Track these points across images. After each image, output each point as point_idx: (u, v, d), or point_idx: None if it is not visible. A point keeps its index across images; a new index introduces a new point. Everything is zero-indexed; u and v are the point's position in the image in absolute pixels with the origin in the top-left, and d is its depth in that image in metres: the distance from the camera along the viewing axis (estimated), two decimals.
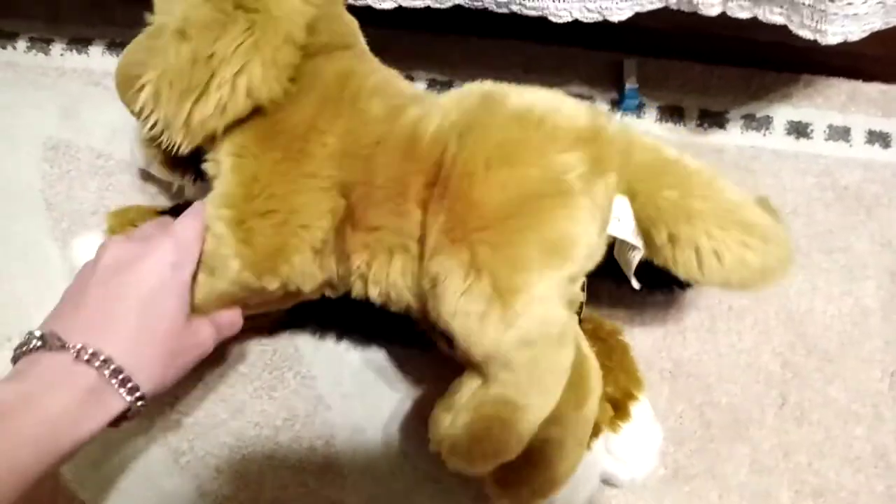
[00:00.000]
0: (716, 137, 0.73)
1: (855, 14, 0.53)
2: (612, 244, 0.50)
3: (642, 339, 0.64)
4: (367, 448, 0.59)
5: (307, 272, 0.48)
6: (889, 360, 0.64)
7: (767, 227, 0.48)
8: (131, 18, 0.65)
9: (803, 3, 0.53)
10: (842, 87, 0.76)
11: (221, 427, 0.59)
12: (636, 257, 0.49)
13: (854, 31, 0.54)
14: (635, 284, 0.52)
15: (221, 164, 0.47)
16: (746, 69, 0.75)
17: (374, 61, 0.53)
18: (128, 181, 0.69)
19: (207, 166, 0.49)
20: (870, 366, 0.64)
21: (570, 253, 0.43)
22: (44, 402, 0.39)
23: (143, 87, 0.46)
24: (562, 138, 0.44)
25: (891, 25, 0.55)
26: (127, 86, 0.49)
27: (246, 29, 0.44)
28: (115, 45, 0.76)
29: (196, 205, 0.48)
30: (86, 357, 0.40)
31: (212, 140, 0.47)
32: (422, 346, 0.59)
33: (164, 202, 0.67)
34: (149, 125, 0.47)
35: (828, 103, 0.75)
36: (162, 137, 0.47)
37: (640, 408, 0.56)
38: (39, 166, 0.70)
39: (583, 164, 0.44)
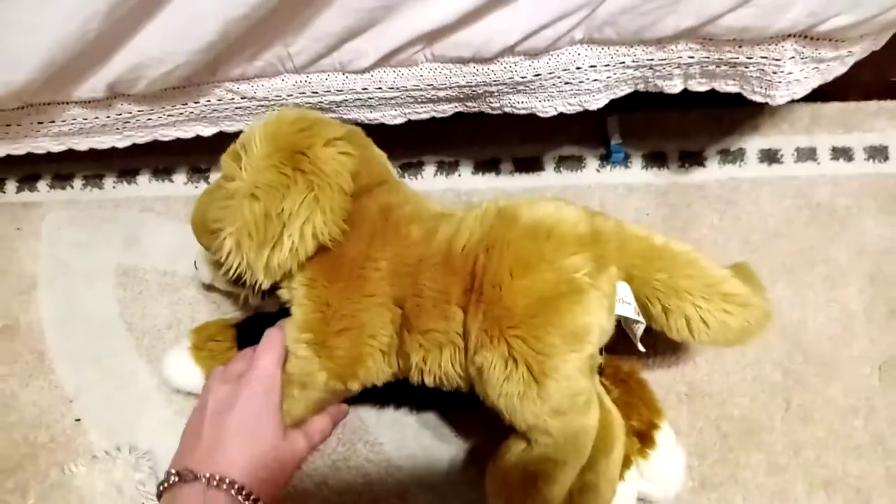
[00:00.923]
0: (697, 175, 0.82)
1: (796, 80, 0.62)
2: (620, 320, 0.59)
3: (658, 369, 0.73)
4: (437, 501, 0.69)
5: (379, 371, 0.58)
6: (876, 355, 0.73)
7: (744, 295, 0.58)
8: (169, 149, 0.75)
9: (752, 76, 0.62)
10: (804, 112, 0.84)
11: (310, 499, 0.69)
12: (640, 329, 0.59)
13: (798, 92, 0.63)
14: (641, 349, 0.62)
15: (295, 292, 0.57)
16: (717, 109, 0.84)
17: (405, 189, 0.63)
18: (193, 294, 0.79)
19: (282, 293, 0.59)
20: (860, 363, 0.72)
21: (588, 338, 0.53)
22: None
23: (225, 238, 0.56)
24: (568, 245, 0.54)
25: (828, 81, 0.63)
26: (205, 233, 0.59)
27: (306, 187, 0.54)
28: (160, 172, 0.86)
29: (269, 335, 0.59)
30: (215, 482, 0.50)
31: (286, 275, 0.57)
32: (469, 409, 0.68)
33: (228, 309, 0.77)
34: (233, 268, 0.56)
35: (793, 128, 0.84)
36: (244, 277, 0.57)
37: (663, 434, 0.65)
38: (115, 292, 0.80)
39: (588, 264, 0.54)
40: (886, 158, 0.81)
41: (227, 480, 0.50)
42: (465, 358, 0.55)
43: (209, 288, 0.78)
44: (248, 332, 0.68)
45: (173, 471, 0.51)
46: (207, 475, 0.50)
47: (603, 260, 0.55)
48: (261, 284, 0.56)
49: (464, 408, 0.68)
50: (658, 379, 0.72)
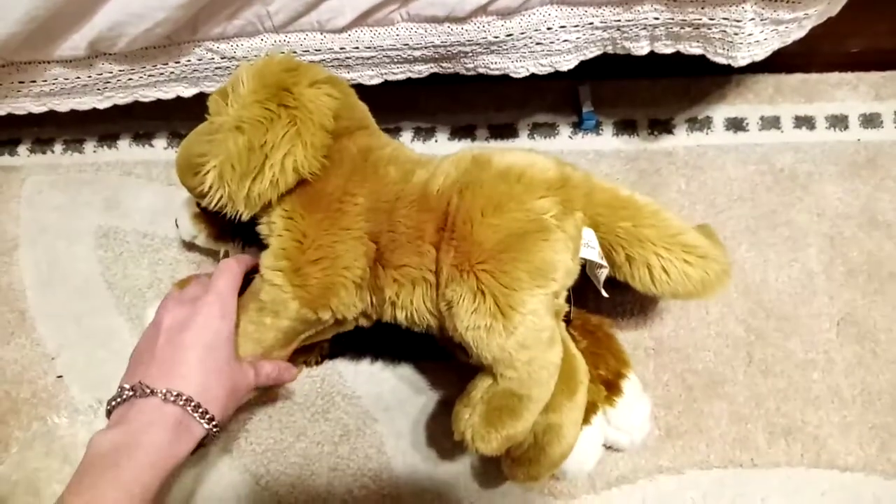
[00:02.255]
0: (666, 142, 0.85)
1: (756, 41, 0.64)
2: (585, 265, 0.62)
3: (626, 325, 0.76)
4: (411, 449, 0.71)
5: (351, 303, 0.60)
6: (835, 311, 0.76)
7: (704, 246, 0.61)
8: (149, 114, 0.77)
9: (715, 38, 0.65)
10: (768, 82, 0.87)
11: (290, 450, 0.71)
12: (603, 273, 0.62)
13: (759, 54, 0.66)
14: (605, 294, 0.65)
15: (275, 225, 0.59)
16: (685, 78, 0.87)
17: (385, 136, 0.66)
18: (173, 255, 0.81)
19: (261, 228, 0.61)
20: (819, 319, 0.76)
21: (552, 275, 0.55)
22: (146, 438, 0.51)
23: (208, 171, 0.57)
24: (537, 188, 0.56)
25: (787, 44, 0.66)
26: (189, 171, 0.60)
27: (289, 122, 0.56)
28: (140, 137, 0.87)
29: (224, 262, 0.61)
30: (171, 398, 0.52)
31: (266, 208, 0.59)
32: (443, 358, 0.71)
33: (208, 269, 0.79)
34: (214, 200, 0.58)
35: (758, 98, 0.87)
36: (226, 209, 0.59)
37: (629, 384, 0.68)
38: (95, 253, 0.81)
39: (555, 207, 0.56)
40: (846, 127, 0.85)
41: (184, 396, 0.52)
42: (437, 295, 0.58)
43: (190, 247, 0.79)
44: None
45: (127, 385, 0.53)
46: (164, 390, 0.52)
47: (570, 204, 0.57)
48: (241, 216, 0.58)
49: (437, 357, 0.70)
50: (626, 335, 0.75)
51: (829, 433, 0.71)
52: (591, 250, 0.58)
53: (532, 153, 0.60)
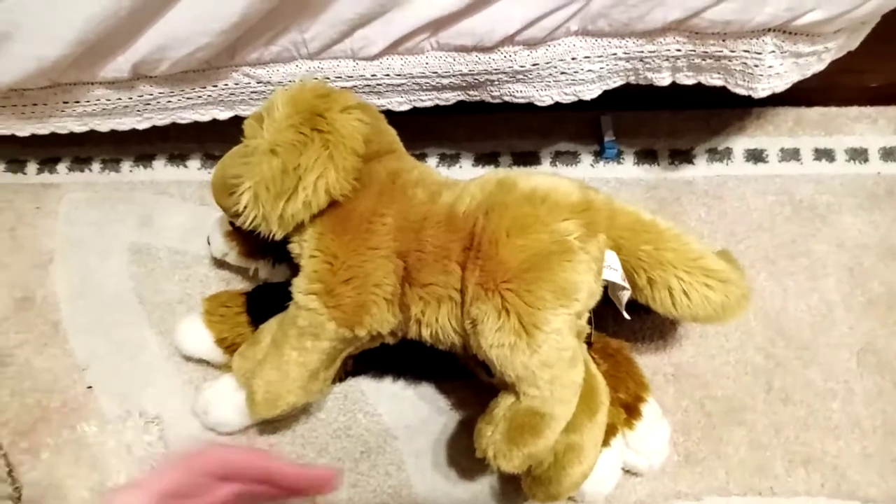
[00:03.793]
0: (686, 172, 0.86)
1: (776, 73, 0.66)
2: (606, 287, 0.63)
3: (646, 350, 0.76)
4: (430, 468, 0.72)
5: (384, 319, 0.62)
6: (854, 341, 0.76)
7: (724, 271, 0.62)
8: (184, 135, 0.79)
9: (735, 70, 0.67)
10: (788, 115, 0.89)
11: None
12: (626, 296, 0.63)
13: (778, 86, 0.67)
14: (626, 316, 0.66)
15: (307, 244, 0.61)
16: (706, 110, 0.88)
17: (412, 160, 0.68)
18: (204, 272, 0.83)
19: (292, 247, 0.63)
20: (838, 349, 0.76)
21: (576, 295, 0.57)
22: None
23: (243, 192, 0.60)
24: (561, 210, 0.58)
25: (807, 77, 0.68)
26: (224, 191, 0.63)
27: (321, 146, 0.59)
28: (175, 158, 0.90)
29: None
30: None
31: (298, 228, 0.61)
32: (464, 378, 0.72)
33: (238, 286, 0.81)
34: (249, 220, 0.60)
35: (777, 130, 0.88)
36: (260, 228, 0.61)
37: (648, 408, 0.68)
38: (128, 268, 0.84)
39: (579, 229, 0.58)
40: (866, 160, 0.86)
41: None
42: (462, 313, 0.59)
43: (220, 264, 0.81)
44: (257, 300, 0.72)
45: None
46: None
47: (593, 227, 0.59)
48: (274, 236, 0.60)
49: (459, 376, 0.71)
50: (646, 360, 0.75)
51: (849, 463, 0.71)
52: (614, 272, 0.60)
53: (556, 177, 0.62)
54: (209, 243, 0.77)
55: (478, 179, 0.63)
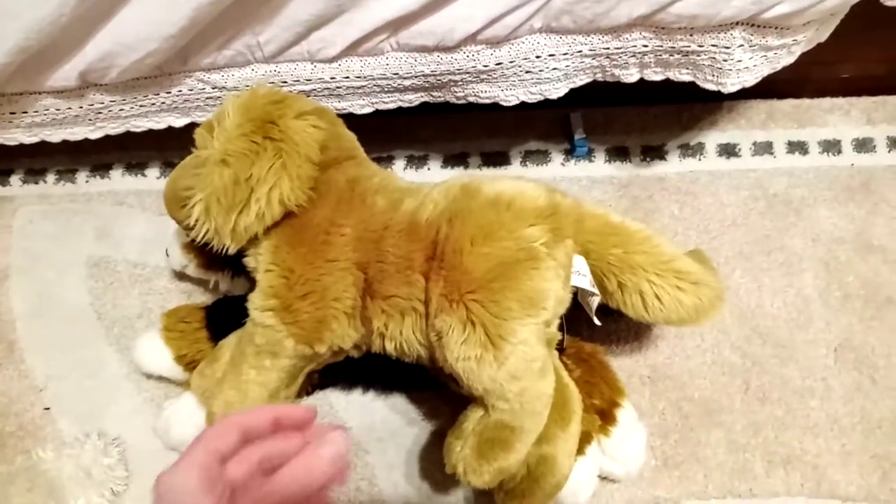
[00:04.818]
0: (658, 168, 0.84)
1: (746, 67, 0.65)
2: (576, 293, 0.61)
3: (621, 352, 0.75)
4: (403, 481, 0.70)
5: (345, 334, 0.60)
6: (831, 338, 0.75)
7: (697, 272, 0.61)
8: (142, 143, 0.76)
9: (704, 64, 0.65)
10: (760, 108, 0.87)
11: None
12: (595, 301, 0.62)
13: (748, 80, 0.66)
14: (597, 322, 0.64)
15: (262, 258, 0.59)
16: (677, 104, 0.87)
17: (373, 166, 0.65)
18: (164, 284, 0.80)
19: (248, 260, 0.61)
20: (816, 345, 0.75)
21: (543, 303, 0.55)
22: None
23: (194, 205, 0.57)
24: (527, 216, 0.56)
25: (777, 70, 0.66)
26: (176, 204, 0.60)
27: (274, 155, 0.56)
28: (133, 167, 0.87)
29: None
30: None
31: (253, 241, 0.59)
32: (435, 388, 0.70)
33: (198, 299, 0.78)
34: (201, 234, 0.58)
35: (750, 123, 0.87)
36: (213, 242, 0.58)
37: (624, 413, 0.67)
38: (86, 283, 0.81)
39: (545, 234, 0.56)
40: (840, 152, 0.85)
41: None
42: (426, 325, 0.57)
43: (181, 276, 0.79)
44: (216, 315, 0.69)
45: None
46: None
47: (560, 232, 0.57)
48: (228, 249, 0.58)
49: (430, 386, 0.69)
50: (621, 363, 0.74)
51: (829, 462, 0.70)
52: (583, 278, 0.58)
53: (522, 181, 0.60)
54: (168, 255, 0.74)
55: (441, 185, 0.61)
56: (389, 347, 0.60)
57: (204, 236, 0.58)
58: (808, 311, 0.76)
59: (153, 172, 0.87)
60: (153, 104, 0.72)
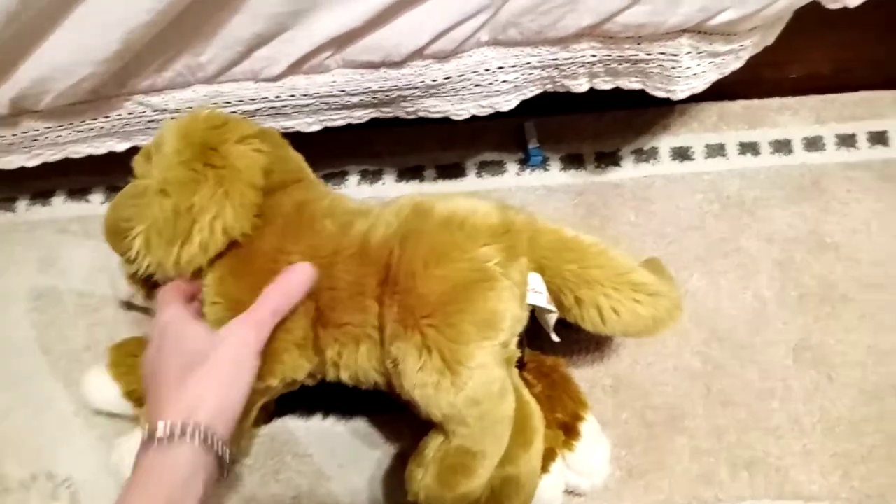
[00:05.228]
0: (613, 175, 0.84)
1: (694, 74, 0.65)
2: (533, 310, 0.60)
3: (582, 362, 0.74)
4: None
5: (297, 365, 0.58)
6: (790, 337, 0.75)
7: (653, 284, 0.60)
8: (85, 168, 0.74)
9: (653, 72, 0.65)
10: (711, 110, 0.88)
11: None
12: (553, 319, 0.61)
13: (697, 86, 0.66)
14: (555, 338, 0.63)
15: (207, 290, 0.57)
16: (629, 110, 0.87)
17: (323, 187, 0.64)
18: (112, 314, 0.77)
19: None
20: (774, 346, 0.75)
21: (500, 325, 0.54)
22: None
23: (135, 237, 0.55)
24: (480, 235, 0.55)
25: (726, 75, 0.67)
26: (116, 236, 0.58)
27: (216, 182, 0.54)
28: (75, 193, 0.84)
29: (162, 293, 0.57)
30: None
31: (198, 273, 0.57)
32: (397, 410, 0.68)
33: (149, 328, 0.75)
34: (143, 267, 0.56)
35: (702, 126, 0.87)
36: (156, 276, 0.56)
37: (587, 426, 0.66)
38: (29, 316, 0.77)
39: (499, 254, 0.55)
40: (790, 151, 0.85)
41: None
42: (381, 353, 0.56)
43: (129, 306, 0.76)
44: None
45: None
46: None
47: (514, 251, 0.56)
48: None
49: (391, 409, 0.68)
50: (583, 373, 0.73)
51: (791, 463, 0.70)
52: (539, 296, 0.57)
53: (474, 199, 0.59)
54: (114, 285, 0.72)
55: (393, 205, 0.60)
56: (344, 377, 0.58)
57: (146, 269, 0.56)
58: (765, 313, 0.77)
59: (97, 198, 0.84)
60: (91, 129, 0.69)
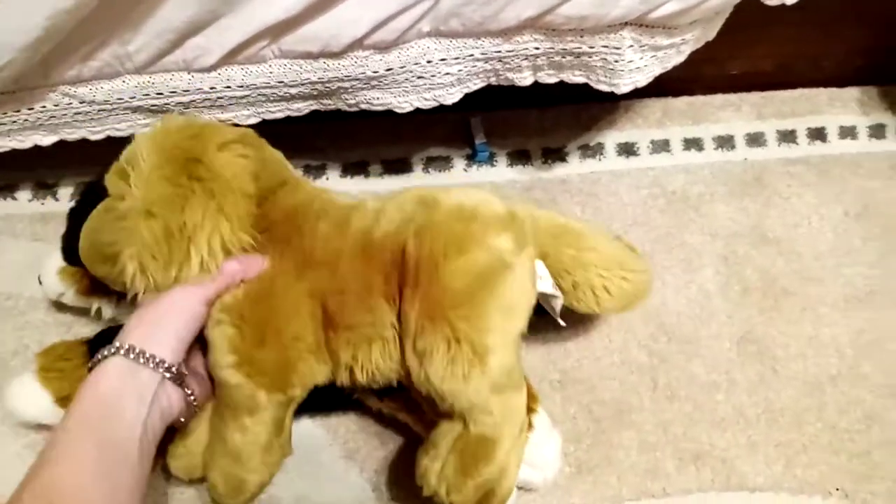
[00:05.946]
0: (560, 170, 0.84)
1: (637, 68, 0.64)
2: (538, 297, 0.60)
3: (531, 357, 0.74)
4: None
5: (315, 370, 0.56)
6: (734, 331, 0.76)
7: (635, 260, 0.63)
8: (10, 163, 0.70)
9: (596, 66, 0.65)
10: (656, 106, 0.88)
11: None
12: (559, 304, 0.62)
13: (640, 80, 0.66)
14: (562, 323, 0.65)
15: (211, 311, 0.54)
16: (575, 105, 0.87)
17: (309, 185, 0.62)
18: (41, 318, 0.73)
19: None
20: (719, 340, 0.76)
21: (521, 312, 0.55)
22: None
23: (125, 262, 0.51)
24: (492, 225, 0.55)
25: (668, 69, 0.67)
26: (99, 260, 0.54)
27: (206, 196, 0.51)
28: (1, 189, 0.80)
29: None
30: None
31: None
32: (342, 409, 0.67)
33: (80, 331, 0.72)
34: (141, 291, 0.52)
35: (647, 122, 0.88)
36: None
37: (539, 418, 0.65)
38: None
39: (510, 243, 0.55)
40: (733, 147, 0.86)
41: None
42: (401, 349, 0.55)
43: (59, 307, 0.72)
44: (101, 347, 0.64)
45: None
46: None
47: (522, 239, 0.56)
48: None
49: (335, 408, 0.67)
50: (531, 368, 0.73)
51: (736, 455, 0.71)
52: (545, 282, 0.58)
53: (474, 189, 0.59)
54: (41, 283, 0.68)
55: (394, 200, 0.58)
56: (360, 378, 0.57)
57: (144, 294, 0.52)
58: (709, 306, 0.77)
59: (24, 195, 0.80)
60: (14, 122, 0.66)
